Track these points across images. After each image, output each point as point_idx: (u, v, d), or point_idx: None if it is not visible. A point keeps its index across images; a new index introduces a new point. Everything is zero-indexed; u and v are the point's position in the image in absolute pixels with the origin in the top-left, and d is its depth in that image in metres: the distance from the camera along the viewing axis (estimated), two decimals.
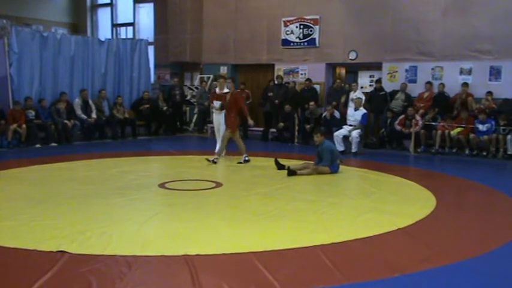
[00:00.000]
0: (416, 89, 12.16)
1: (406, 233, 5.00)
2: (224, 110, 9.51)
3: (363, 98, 11.97)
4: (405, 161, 10.32)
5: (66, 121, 11.89)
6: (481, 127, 10.56)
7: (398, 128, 11.45)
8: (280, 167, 8.38)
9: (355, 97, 11.70)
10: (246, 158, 9.17)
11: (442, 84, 11.63)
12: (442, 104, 11.48)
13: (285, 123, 12.74)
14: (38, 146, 11.24)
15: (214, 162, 8.93)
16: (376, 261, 4.19)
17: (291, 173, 8.01)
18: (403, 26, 12.23)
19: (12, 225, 5.02)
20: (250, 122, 9.79)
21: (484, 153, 10.54)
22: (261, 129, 13.52)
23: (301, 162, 8.65)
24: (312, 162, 8.47)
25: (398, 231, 5.01)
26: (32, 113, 11.48)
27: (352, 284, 3.68)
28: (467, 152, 10.72)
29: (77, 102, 12.48)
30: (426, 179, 8.02)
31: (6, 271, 3.86)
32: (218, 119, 9.79)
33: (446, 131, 10.83)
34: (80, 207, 5.84)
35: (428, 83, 11.87)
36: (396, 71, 12.50)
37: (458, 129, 10.76)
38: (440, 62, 11.93)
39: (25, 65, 11.86)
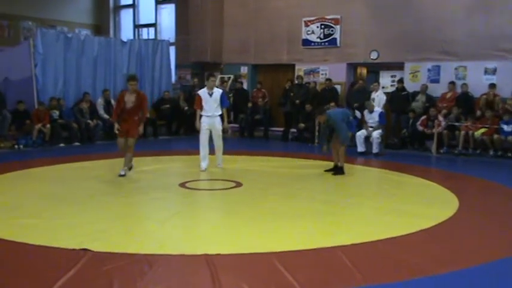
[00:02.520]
0: (438, 89, 11.97)
1: (427, 234, 4.93)
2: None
3: (384, 98, 11.89)
4: (427, 162, 10.18)
5: (89, 121, 12.08)
6: (505, 128, 10.35)
7: (420, 128, 11.30)
8: (332, 169, 8.32)
9: (376, 97, 11.60)
10: (122, 173, 7.73)
11: (466, 84, 11.43)
12: (466, 104, 11.29)
13: (306, 124, 12.70)
14: (61, 145, 11.45)
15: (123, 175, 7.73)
16: (397, 263, 4.14)
17: (339, 170, 8.10)
18: (426, 25, 12.06)
19: (36, 223, 5.11)
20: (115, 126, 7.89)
21: (509, 154, 10.33)
22: (281, 129, 13.51)
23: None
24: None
25: (420, 233, 4.95)
26: (56, 113, 11.70)
27: (373, 285, 3.65)
28: (491, 153, 10.52)
29: (100, 102, 12.65)
30: (448, 180, 7.91)
31: (31, 268, 3.92)
32: (211, 125, 8.28)
33: (470, 132, 10.66)
34: (102, 205, 5.92)
35: (451, 83, 11.68)
36: (418, 71, 12.33)
37: (482, 130, 10.57)
38: (463, 61, 11.72)
39: (50, 65, 12.07)
